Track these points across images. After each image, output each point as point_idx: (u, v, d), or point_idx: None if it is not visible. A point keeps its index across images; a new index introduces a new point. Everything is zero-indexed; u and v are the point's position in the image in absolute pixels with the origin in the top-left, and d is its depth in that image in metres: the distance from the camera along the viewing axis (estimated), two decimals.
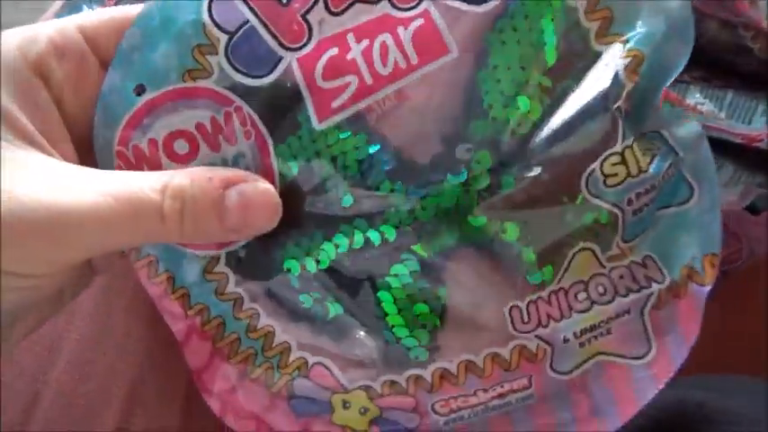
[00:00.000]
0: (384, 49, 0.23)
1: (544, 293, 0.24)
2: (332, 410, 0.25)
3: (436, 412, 0.25)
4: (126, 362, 0.34)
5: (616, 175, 0.23)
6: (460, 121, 0.23)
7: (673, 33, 0.23)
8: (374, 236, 0.24)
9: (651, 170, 0.23)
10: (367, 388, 0.25)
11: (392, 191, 0.24)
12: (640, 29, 0.23)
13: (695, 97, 0.31)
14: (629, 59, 0.23)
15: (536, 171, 0.23)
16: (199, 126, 0.23)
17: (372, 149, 0.24)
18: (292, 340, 0.25)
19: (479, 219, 0.24)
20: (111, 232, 0.20)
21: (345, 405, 0.25)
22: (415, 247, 0.24)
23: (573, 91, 0.23)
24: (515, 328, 0.24)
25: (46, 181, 0.20)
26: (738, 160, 0.32)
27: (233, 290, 0.25)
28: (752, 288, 0.38)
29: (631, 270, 0.24)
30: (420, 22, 0.23)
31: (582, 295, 0.24)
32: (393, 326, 0.24)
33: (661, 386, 0.24)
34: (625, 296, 0.24)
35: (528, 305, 0.24)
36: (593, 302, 0.24)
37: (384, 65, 0.23)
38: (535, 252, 0.23)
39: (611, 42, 0.23)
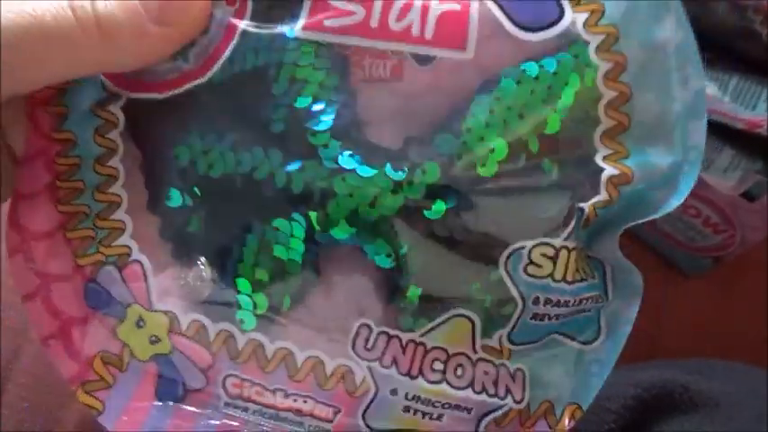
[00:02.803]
0: (407, 7, 0.21)
1: (403, 336, 0.22)
2: (122, 320, 0.22)
3: (224, 387, 0.22)
4: None
5: (541, 267, 0.21)
6: (432, 126, 0.21)
7: (668, 181, 0.21)
8: (280, 179, 0.21)
9: (571, 289, 0.21)
10: (173, 317, 0.22)
11: (325, 146, 0.21)
12: (646, 155, 0.21)
13: None
14: (618, 173, 0.21)
15: (471, 216, 0.21)
16: None
17: (320, 105, 0.21)
18: (131, 224, 0.22)
19: (387, 227, 0.21)
20: (42, 45, 0.19)
21: (140, 323, 0.22)
22: (311, 214, 0.21)
23: (550, 168, 0.21)
24: (354, 348, 0.22)
25: None
26: (738, 145, 0.32)
27: (114, 137, 0.22)
28: (750, 275, 0.38)
29: (498, 373, 0.22)
30: (455, 6, 0.21)
31: (438, 365, 0.22)
32: (239, 275, 0.22)
33: None
34: (478, 393, 0.22)
35: (380, 334, 0.22)
36: (444, 378, 0.22)
37: (398, 21, 0.21)
38: (421, 294, 0.21)
39: (614, 149, 0.21)
